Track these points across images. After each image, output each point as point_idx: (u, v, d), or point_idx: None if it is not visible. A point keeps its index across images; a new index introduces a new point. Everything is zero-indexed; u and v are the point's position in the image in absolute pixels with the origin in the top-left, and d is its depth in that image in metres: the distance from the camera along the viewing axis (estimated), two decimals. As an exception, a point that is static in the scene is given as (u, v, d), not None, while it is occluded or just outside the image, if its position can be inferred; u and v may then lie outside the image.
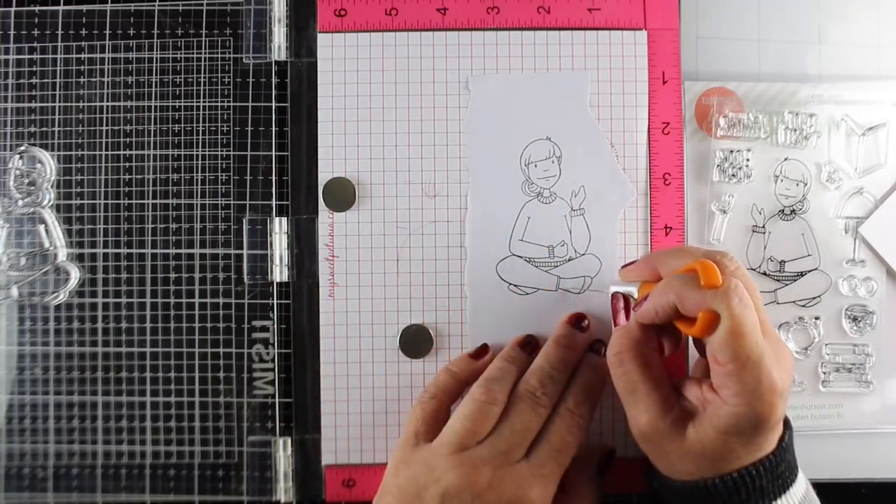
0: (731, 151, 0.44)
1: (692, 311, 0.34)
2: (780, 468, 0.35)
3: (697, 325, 0.33)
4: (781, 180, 0.44)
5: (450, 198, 0.44)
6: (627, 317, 0.39)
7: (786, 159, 0.44)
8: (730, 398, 0.33)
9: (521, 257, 0.43)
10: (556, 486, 0.37)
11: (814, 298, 0.44)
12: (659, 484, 0.38)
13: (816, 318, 0.44)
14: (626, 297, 0.39)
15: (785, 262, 0.44)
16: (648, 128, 0.44)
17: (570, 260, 0.44)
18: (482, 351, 0.42)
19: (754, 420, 0.33)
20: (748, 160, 0.44)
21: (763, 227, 0.44)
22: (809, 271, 0.44)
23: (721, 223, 0.44)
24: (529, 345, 0.41)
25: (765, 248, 0.44)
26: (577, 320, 0.42)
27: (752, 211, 0.44)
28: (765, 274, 0.44)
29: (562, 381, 0.39)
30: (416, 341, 0.43)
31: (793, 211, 0.44)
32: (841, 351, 0.44)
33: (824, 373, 0.44)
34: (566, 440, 0.37)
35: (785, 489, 0.35)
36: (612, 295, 0.41)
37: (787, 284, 0.44)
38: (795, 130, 0.44)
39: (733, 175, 0.44)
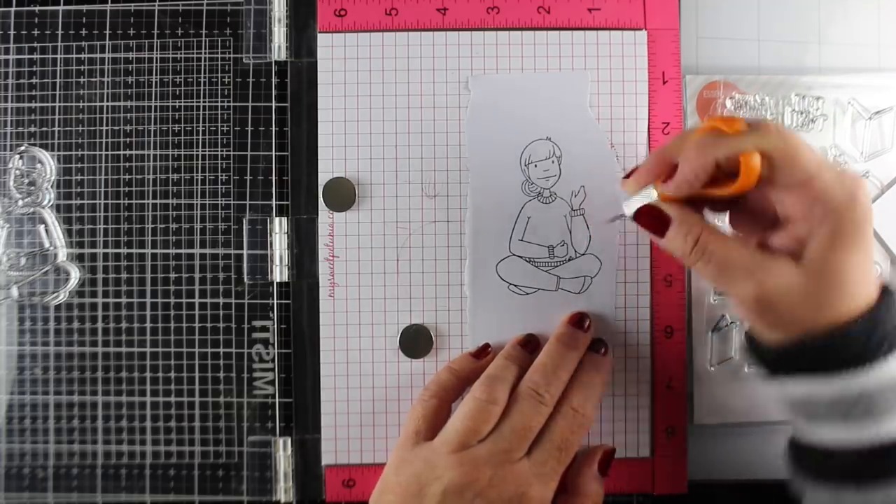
0: None
1: (734, 160, 0.32)
2: None
3: (745, 173, 0.32)
4: None
5: (450, 198, 0.44)
6: (663, 229, 0.36)
7: None
8: (825, 212, 0.32)
9: (521, 257, 0.43)
10: (557, 485, 0.37)
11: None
12: (798, 344, 0.33)
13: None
14: (652, 206, 0.36)
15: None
16: (648, 128, 0.44)
17: (570, 260, 0.43)
18: (483, 350, 0.42)
19: (859, 212, 0.32)
20: None
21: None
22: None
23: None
24: (530, 344, 0.41)
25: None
26: (578, 320, 0.42)
27: None
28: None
29: (564, 380, 0.39)
30: (416, 341, 0.43)
31: None
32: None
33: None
34: (568, 439, 0.37)
35: None
36: (634, 217, 0.37)
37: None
38: (802, 113, 0.44)
39: None
